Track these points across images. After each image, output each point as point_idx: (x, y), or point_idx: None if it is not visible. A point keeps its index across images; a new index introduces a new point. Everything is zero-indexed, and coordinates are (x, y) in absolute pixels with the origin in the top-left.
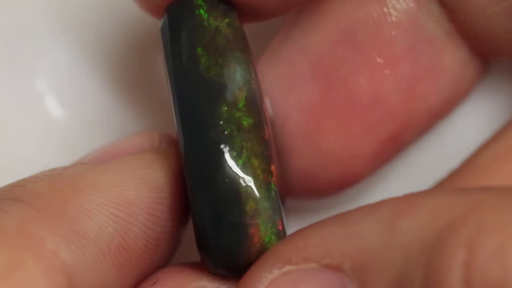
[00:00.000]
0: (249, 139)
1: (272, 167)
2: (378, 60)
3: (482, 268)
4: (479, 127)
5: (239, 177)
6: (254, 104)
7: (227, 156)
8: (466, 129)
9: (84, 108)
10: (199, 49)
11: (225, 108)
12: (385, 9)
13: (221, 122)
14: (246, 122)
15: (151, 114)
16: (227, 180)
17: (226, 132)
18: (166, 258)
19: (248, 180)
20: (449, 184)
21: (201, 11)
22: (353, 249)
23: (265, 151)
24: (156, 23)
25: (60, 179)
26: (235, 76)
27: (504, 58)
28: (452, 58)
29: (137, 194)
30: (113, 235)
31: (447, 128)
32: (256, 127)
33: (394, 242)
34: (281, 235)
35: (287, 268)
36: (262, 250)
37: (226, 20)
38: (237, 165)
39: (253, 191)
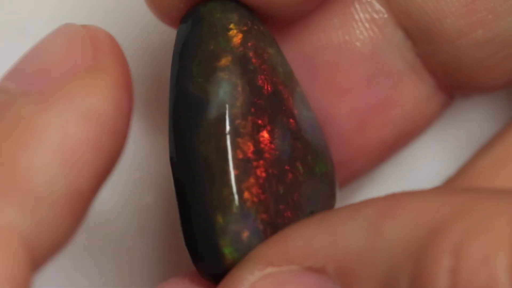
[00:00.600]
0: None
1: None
2: (335, 86)
3: (469, 274)
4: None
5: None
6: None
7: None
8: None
9: None
10: (194, 65)
11: (206, 125)
12: (346, 37)
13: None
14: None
15: (151, 114)
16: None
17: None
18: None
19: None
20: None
21: (204, 25)
22: (337, 252)
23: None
24: (156, 24)
25: (5, 131)
26: (218, 93)
27: (470, 93)
28: (413, 92)
29: (80, 131)
30: (65, 186)
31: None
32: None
33: (379, 245)
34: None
35: (269, 270)
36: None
37: (228, 35)
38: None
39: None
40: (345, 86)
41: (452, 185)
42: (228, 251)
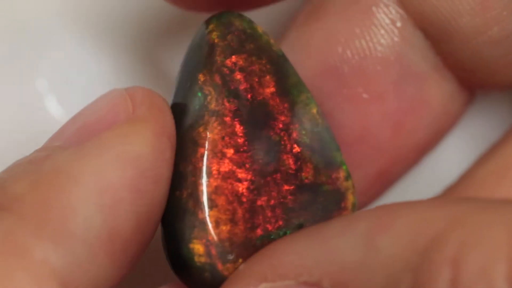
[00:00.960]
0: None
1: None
2: (364, 95)
3: (468, 285)
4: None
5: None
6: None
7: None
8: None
9: None
10: (184, 73)
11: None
12: (370, 44)
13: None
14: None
15: None
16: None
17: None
18: (156, 226)
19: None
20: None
21: (213, 35)
22: (332, 266)
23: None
24: (157, 24)
25: (40, 177)
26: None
27: (491, 90)
28: (439, 92)
29: (119, 175)
30: (102, 226)
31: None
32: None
33: (375, 260)
34: None
35: (263, 285)
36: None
37: (215, 47)
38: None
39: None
40: (374, 93)
41: (452, 193)
42: (197, 261)
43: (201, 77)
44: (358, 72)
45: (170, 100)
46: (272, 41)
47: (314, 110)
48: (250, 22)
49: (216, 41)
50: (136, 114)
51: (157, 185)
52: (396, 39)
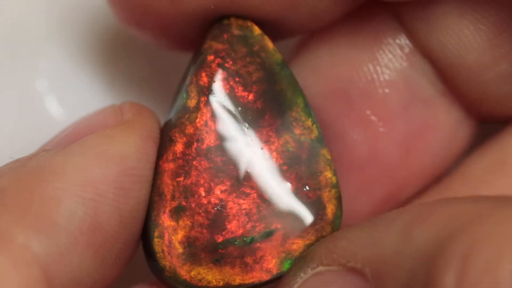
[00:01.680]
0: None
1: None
2: (372, 117)
3: (473, 281)
4: None
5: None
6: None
7: None
8: None
9: (84, 108)
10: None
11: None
12: (377, 68)
13: None
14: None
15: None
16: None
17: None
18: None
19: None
20: (441, 192)
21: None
22: (373, 255)
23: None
24: None
25: (24, 171)
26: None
27: (496, 121)
28: (446, 117)
29: (101, 171)
30: (83, 218)
31: None
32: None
33: (407, 249)
34: None
35: (319, 269)
36: None
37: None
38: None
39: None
40: (382, 116)
41: (448, 188)
42: (159, 260)
43: (189, 78)
44: (366, 95)
45: (161, 93)
46: (271, 47)
47: (304, 119)
48: (249, 27)
49: (208, 44)
50: (123, 119)
51: (142, 184)
52: (404, 64)
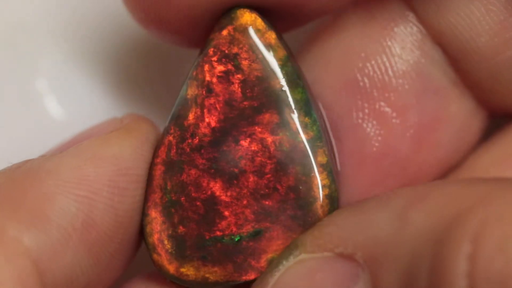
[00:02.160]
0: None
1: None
2: (386, 109)
3: (485, 261)
4: None
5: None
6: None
7: None
8: None
9: (84, 108)
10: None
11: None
12: (390, 59)
13: None
14: None
15: (151, 114)
16: None
17: None
18: (140, 234)
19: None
20: None
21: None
22: (365, 239)
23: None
24: None
25: (19, 171)
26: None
27: (508, 114)
28: (459, 107)
29: (96, 170)
30: (76, 214)
31: None
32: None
33: (404, 233)
34: None
35: (302, 256)
36: None
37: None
38: None
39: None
40: (396, 107)
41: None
42: (152, 255)
43: (191, 71)
44: (379, 87)
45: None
46: (275, 42)
47: (303, 117)
48: (254, 20)
49: (211, 37)
50: (122, 125)
51: (138, 184)
52: (416, 53)
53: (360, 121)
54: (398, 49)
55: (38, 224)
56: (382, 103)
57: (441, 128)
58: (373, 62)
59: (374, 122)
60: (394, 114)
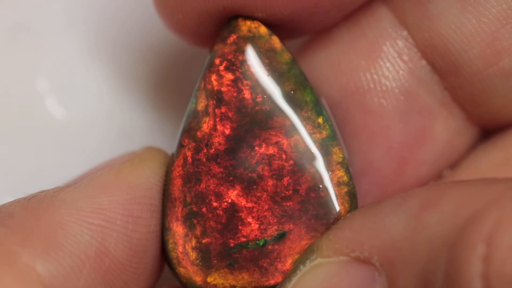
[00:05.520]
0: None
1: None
2: (366, 129)
3: (500, 262)
4: None
5: None
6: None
7: None
8: None
9: (84, 108)
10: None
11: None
12: (375, 77)
13: None
14: None
15: (151, 114)
16: None
17: None
18: (157, 262)
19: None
20: None
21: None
22: (382, 243)
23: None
24: (158, 24)
25: (33, 200)
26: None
27: (501, 125)
28: (445, 127)
29: (109, 199)
30: (90, 243)
31: None
32: None
33: (419, 235)
34: None
35: (319, 260)
36: None
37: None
38: None
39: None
40: (378, 126)
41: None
42: (175, 268)
43: (198, 83)
44: (362, 105)
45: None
46: (279, 47)
47: (315, 117)
48: (257, 27)
49: (216, 47)
50: (135, 155)
51: (152, 213)
52: (401, 72)
53: (344, 138)
54: (383, 67)
55: (51, 252)
56: (364, 122)
57: (424, 148)
58: (357, 79)
59: (355, 141)
60: (376, 133)
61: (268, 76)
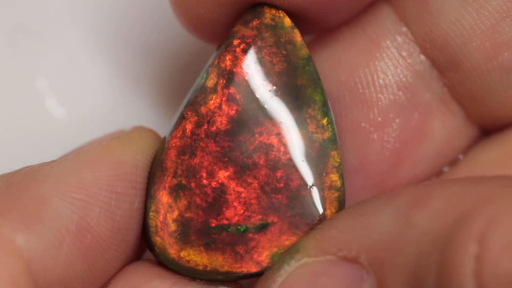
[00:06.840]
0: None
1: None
2: (363, 124)
3: (493, 261)
4: None
5: None
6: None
7: None
8: None
9: (84, 108)
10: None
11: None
12: (373, 73)
13: None
14: None
15: (151, 114)
16: None
17: None
18: (140, 241)
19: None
20: None
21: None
22: (369, 242)
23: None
24: (157, 24)
25: (17, 174)
26: None
27: (501, 122)
28: (443, 125)
29: (93, 174)
30: (71, 217)
31: None
32: None
33: (409, 234)
34: None
35: (305, 260)
36: None
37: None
38: None
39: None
40: (375, 122)
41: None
42: (152, 237)
43: (212, 59)
44: (359, 101)
45: (161, 93)
46: (299, 41)
47: (320, 117)
48: (281, 17)
49: (237, 28)
50: (124, 133)
51: (137, 191)
52: (400, 68)
53: (339, 134)
54: (382, 63)
55: (31, 225)
56: (360, 118)
57: (421, 145)
58: (356, 76)
59: (352, 137)
60: (372, 129)
61: (282, 68)
